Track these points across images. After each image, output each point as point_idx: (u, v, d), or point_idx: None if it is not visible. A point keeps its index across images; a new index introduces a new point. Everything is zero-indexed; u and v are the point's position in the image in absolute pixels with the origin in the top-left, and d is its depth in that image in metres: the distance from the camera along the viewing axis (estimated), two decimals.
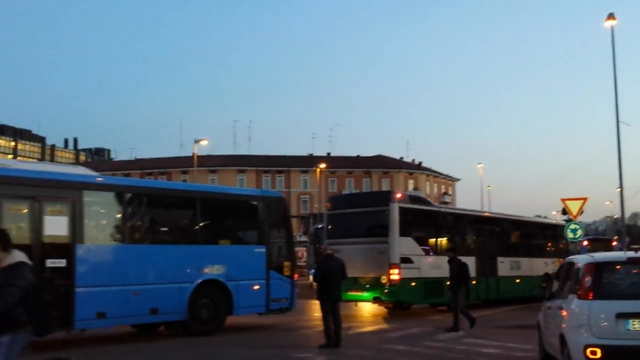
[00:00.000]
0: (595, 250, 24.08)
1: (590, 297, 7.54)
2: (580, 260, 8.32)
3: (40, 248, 11.46)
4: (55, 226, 11.78)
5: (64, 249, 11.82)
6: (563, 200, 20.00)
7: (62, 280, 11.71)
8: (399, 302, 18.88)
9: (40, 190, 11.67)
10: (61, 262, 11.69)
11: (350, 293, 17.51)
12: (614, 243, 37.44)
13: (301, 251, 16.45)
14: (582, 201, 19.79)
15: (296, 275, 15.72)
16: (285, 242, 15.86)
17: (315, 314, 17.93)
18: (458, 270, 15.36)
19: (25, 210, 11.59)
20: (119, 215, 13.16)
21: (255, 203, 15.55)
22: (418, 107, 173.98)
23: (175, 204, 14.64)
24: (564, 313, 7.99)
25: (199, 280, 13.64)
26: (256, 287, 14.61)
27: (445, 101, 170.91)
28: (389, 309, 19.84)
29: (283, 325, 15.92)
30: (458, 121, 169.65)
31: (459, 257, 15.81)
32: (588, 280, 7.68)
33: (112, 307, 12.25)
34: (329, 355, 11.08)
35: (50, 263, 11.54)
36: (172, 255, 13.54)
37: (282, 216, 15.83)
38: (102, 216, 13.24)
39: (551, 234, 25.92)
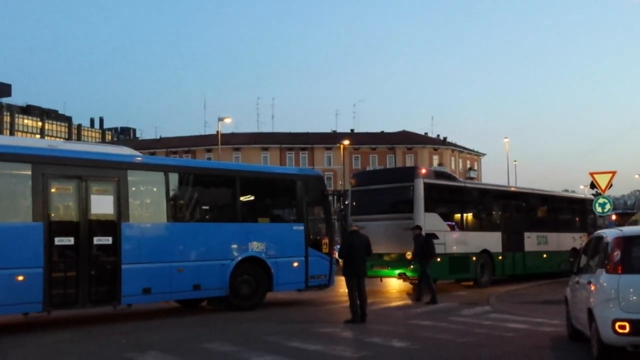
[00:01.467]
0: (624, 225, 23.75)
1: (619, 271, 7.46)
2: (609, 234, 8.21)
3: (87, 226, 11.79)
4: (101, 205, 12.10)
5: (110, 227, 12.12)
6: (591, 174, 19.66)
7: (108, 257, 12.06)
8: None
9: (86, 170, 11.97)
10: (107, 240, 12.03)
11: (375, 269, 17.59)
12: None
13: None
14: (610, 175, 19.42)
15: (335, 253, 15.88)
16: (323, 220, 16.01)
17: (341, 290, 18.02)
18: (424, 245, 15.75)
19: (72, 190, 11.87)
20: (162, 194, 13.37)
21: (293, 181, 15.60)
22: (443, 81, 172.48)
23: (216, 182, 14.90)
24: (592, 288, 7.91)
25: (240, 258, 13.92)
26: (295, 264, 14.83)
27: (471, 76, 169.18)
28: (414, 285, 19.85)
29: (310, 301, 16.08)
30: (484, 96, 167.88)
31: (425, 234, 16.33)
32: (617, 254, 7.59)
33: (156, 283, 12.59)
34: (354, 330, 11.13)
35: (97, 241, 11.89)
36: (213, 233, 13.82)
37: (320, 194, 15.95)
38: (146, 195, 13.59)
39: (579, 209, 25.62)
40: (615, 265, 7.54)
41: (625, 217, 32.79)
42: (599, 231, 9.26)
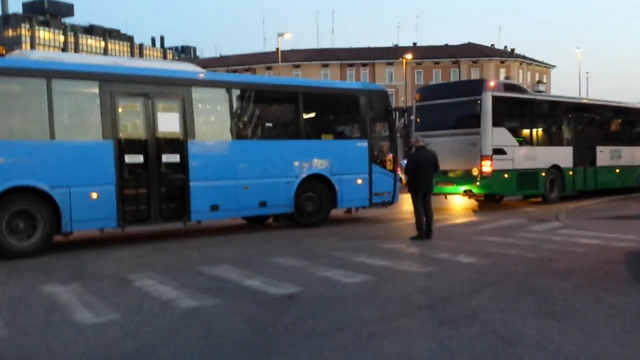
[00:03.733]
0: None
1: None
2: None
3: (155, 144, 11.96)
4: (168, 123, 12.19)
5: (177, 144, 12.26)
6: None
7: (177, 175, 12.25)
8: (490, 194, 18.57)
9: (152, 88, 12.01)
10: (175, 158, 12.21)
11: (440, 186, 17.35)
12: None
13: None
14: None
15: (399, 170, 15.72)
16: (387, 136, 15.81)
17: (405, 207, 17.99)
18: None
19: (139, 108, 12.00)
20: (227, 111, 13.39)
21: (357, 96, 15.30)
22: None
23: (279, 99, 14.84)
24: None
25: (304, 175, 13.98)
26: (359, 181, 14.79)
27: None
28: (480, 202, 19.61)
29: (374, 218, 16.11)
30: (554, 3, 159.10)
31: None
32: None
33: (224, 201, 12.77)
34: (420, 246, 11.11)
35: (165, 158, 12.08)
36: (278, 150, 13.84)
37: (384, 109, 15.63)
38: (211, 112, 13.58)
39: None
40: None
41: None
42: None
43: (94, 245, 11.87)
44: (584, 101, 22.88)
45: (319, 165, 14.24)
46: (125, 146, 11.64)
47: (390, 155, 15.47)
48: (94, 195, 11.13)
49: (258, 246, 11.55)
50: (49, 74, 10.86)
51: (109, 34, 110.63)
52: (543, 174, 18.93)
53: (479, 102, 17.41)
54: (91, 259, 10.24)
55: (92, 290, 7.67)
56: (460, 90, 19.37)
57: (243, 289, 7.59)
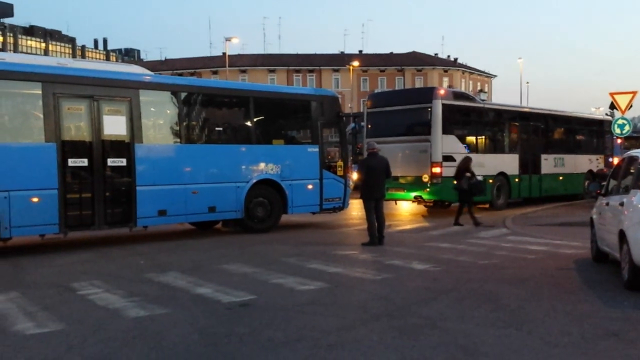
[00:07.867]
0: (630, 148, 23.36)
1: None
2: None
3: (101, 147, 11.56)
4: (114, 126, 11.82)
5: (124, 148, 11.90)
6: (611, 94, 19.10)
7: (123, 179, 11.88)
8: (440, 200, 18.70)
9: (98, 90, 11.61)
10: (121, 162, 11.84)
11: (391, 192, 17.36)
12: None
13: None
14: (631, 95, 18.89)
15: (351, 174, 15.64)
16: (338, 142, 15.71)
17: (354, 213, 17.94)
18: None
19: (84, 110, 11.55)
20: (176, 115, 13.09)
21: (308, 102, 15.19)
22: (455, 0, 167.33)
23: (230, 103, 14.62)
24: (626, 209, 7.66)
25: (255, 180, 13.78)
26: (310, 186, 14.66)
27: None
28: (429, 208, 19.73)
29: (324, 224, 15.98)
30: (496, 15, 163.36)
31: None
32: None
33: (172, 206, 12.48)
34: (373, 253, 11.02)
35: (111, 162, 11.70)
36: (228, 155, 13.59)
37: (335, 115, 15.56)
38: (160, 116, 13.23)
39: (596, 130, 25.11)
40: None
41: (632, 141, 32.16)
42: (632, 152, 8.93)
43: (35, 252, 11.34)
44: (531, 110, 23.35)
45: (269, 170, 14.03)
46: (69, 149, 11.19)
47: (341, 161, 15.41)
48: (35, 199, 10.65)
49: (207, 252, 11.25)
50: None
51: (50, 35, 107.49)
52: (490, 180, 19.19)
53: (429, 109, 17.53)
54: (31, 267, 9.75)
55: (33, 299, 7.26)
56: (411, 98, 19.49)
57: (194, 297, 7.31)
